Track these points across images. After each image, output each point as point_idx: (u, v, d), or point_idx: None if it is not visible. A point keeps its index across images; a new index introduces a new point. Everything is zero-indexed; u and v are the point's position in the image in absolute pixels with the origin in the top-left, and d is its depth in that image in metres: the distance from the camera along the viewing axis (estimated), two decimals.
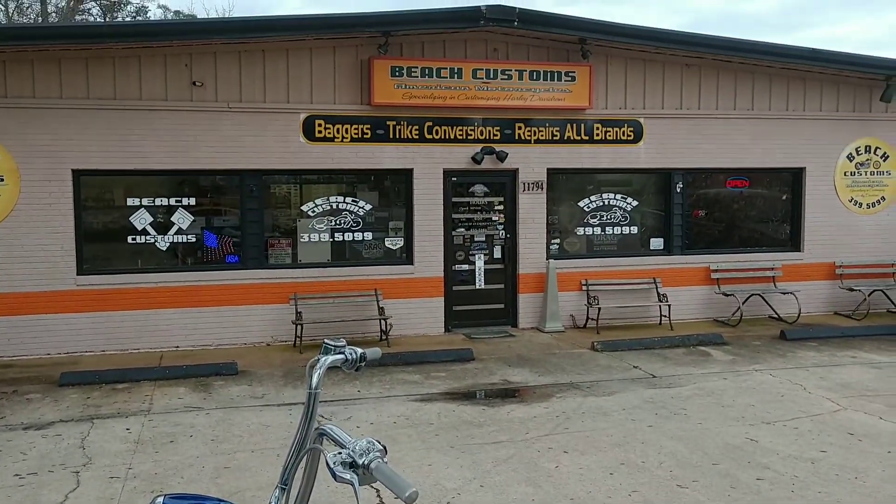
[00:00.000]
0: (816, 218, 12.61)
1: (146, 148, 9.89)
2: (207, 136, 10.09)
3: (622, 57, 11.57)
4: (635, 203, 12.07)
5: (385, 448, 1.88)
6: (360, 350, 2.24)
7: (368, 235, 11.01)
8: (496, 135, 11.14)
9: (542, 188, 11.42)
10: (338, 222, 10.88)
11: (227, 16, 33.18)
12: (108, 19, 30.78)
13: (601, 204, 11.92)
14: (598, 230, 11.94)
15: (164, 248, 10.27)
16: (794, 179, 12.70)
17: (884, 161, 12.88)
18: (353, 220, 10.92)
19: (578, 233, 11.90)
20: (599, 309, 11.22)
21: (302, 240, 10.78)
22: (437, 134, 10.92)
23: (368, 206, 10.99)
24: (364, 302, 10.62)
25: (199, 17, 30.88)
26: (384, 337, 10.41)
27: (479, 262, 11.43)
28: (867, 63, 12.04)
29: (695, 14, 54.27)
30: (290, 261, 10.74)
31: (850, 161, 12.71)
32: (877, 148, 12.82)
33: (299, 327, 10.09)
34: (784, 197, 12.86)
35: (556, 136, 11.37)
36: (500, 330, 11.33)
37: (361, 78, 10.61)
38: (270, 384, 8.48)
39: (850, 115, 12.64)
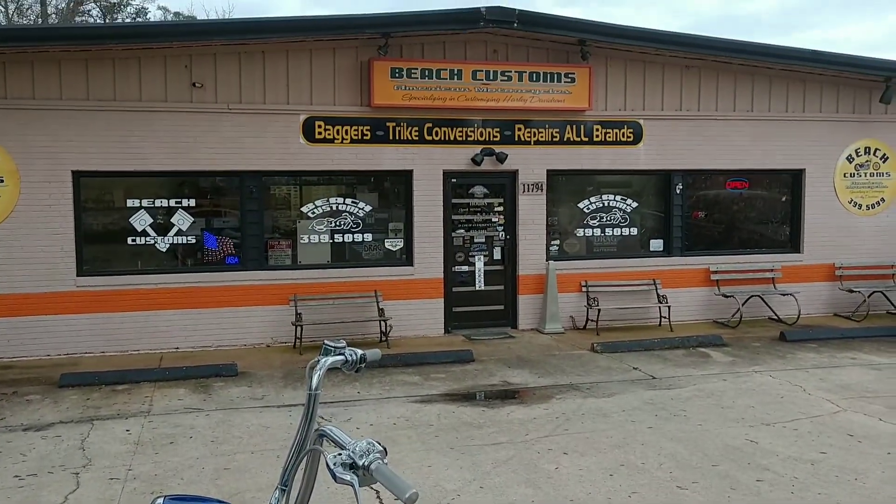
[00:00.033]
0: (816, 219, 12.62)
1: (146, 149, 9.90)
2: (207, 138, 10.10)
3: (622, 58, 11.58)
4: (635, 204, 12.07)
5: (385, 449, 1.88)
6: (359, 351, 2.24)
7: (368, 237, 11.01)
8: (496, 136, 11.14)
9: (541, 189, 11.42)
10: (338, 223, 10.89)
11: (226, 17, 33.21)
12: (107, 21, 30.79)
13: (601, 205, 11.92)
14: (597, 231, 11.94)
15: (164, 250, 10.27)
16: (793, 181, 12.70)
17: (883, 162, 12.88)
18: (352, 221, 10.92)
19: (578, 234, 11.90)
20: (599, 310, 11.22)
21: (302, 241, 10.78)
22: (436, 135, 10.92)
23: (368, 208, 11.00)
24: (364, 303, 10.62)
25: (198, 18, 30.90)
26: (384, 338, 10.41)
27: (479, 264, 11.43)
28: (867, 64, 12.05)
29: (694, 17, 54.36)
30: (290, 262, 10.74)
31: (850, 162, 12.72)
32: (876, 149, 12.83)
33: (299, 328, 10.09)
34: (784, 198, 12.87)
35: (556, 137, 11.38)
36: (500, 331, 11.33)
37: (361, 79, 10.61)
38: (270, 385, 8.48)
39: (850, 116, 12.64)
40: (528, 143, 11.28)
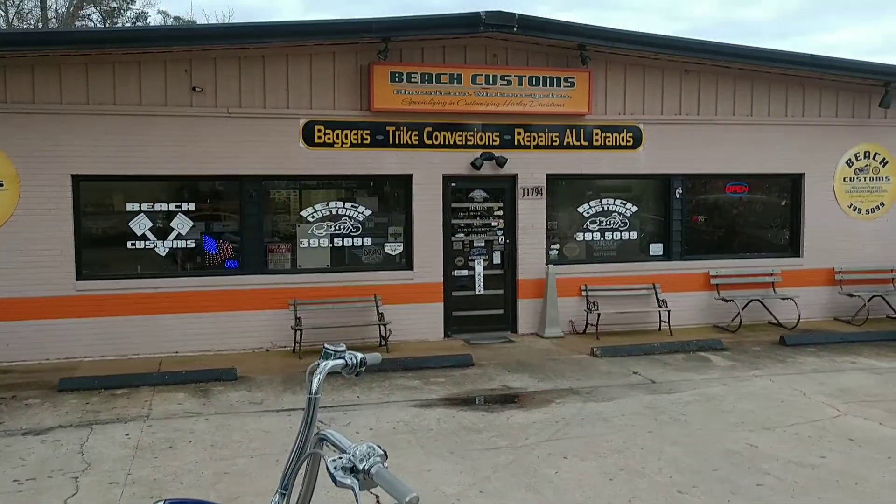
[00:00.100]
0: (816, 223, 12.62)
1: (146, 153, 9.90)
2: (207, 142, 10.10)
3: (621, 63, 11.59)
4: (635, 208, 12.08)
5: (385, 453, 1.88)
6: (359, 355, 2.24)
7: (368, 241, 11.01)
8: (495, 140, 11.15)
9: (541, 194, 11.42)
10: (337, 228, 10.88)
11: (226, 21, 33.25)
12: (107, 25, 30.83)
13: (600, 209, 11.93)
14: (597, 235, 11.94)
15: (164, 254, 10.26)
16: (793, 185, 12.71)
17: (883, 167, 12.89)
18: (352, 225, 10.92)
19: (578, 238, 11.91)
20: (599, 314, 11.22)
21: (301, 245, 10.77)
22: (436, 139, 10.93)
23: (368, 212, 11.00)
24: (363, 307, 10.61)
25: (198, 22, 30.93)
26: (384, 342, 10.40)
27: (479, 268, 11.43)
28: (866, 69, 12.07)
29: (693, 21, 54.46)
30: (290, 266, 10.73)
31: (850, 167, 12.73)
32: (876, 154, 12.84)
33: (299, 333, 10.08)
34: (783, 202, 12.87)
35: (556, 141, 11.39)
36: (500, 335, 11.33)
37: (361, 83, 10.62)
38: (270, 390, 8.47)
39: (849, 120, 12.66)
40: (528, 147, 11.29)
